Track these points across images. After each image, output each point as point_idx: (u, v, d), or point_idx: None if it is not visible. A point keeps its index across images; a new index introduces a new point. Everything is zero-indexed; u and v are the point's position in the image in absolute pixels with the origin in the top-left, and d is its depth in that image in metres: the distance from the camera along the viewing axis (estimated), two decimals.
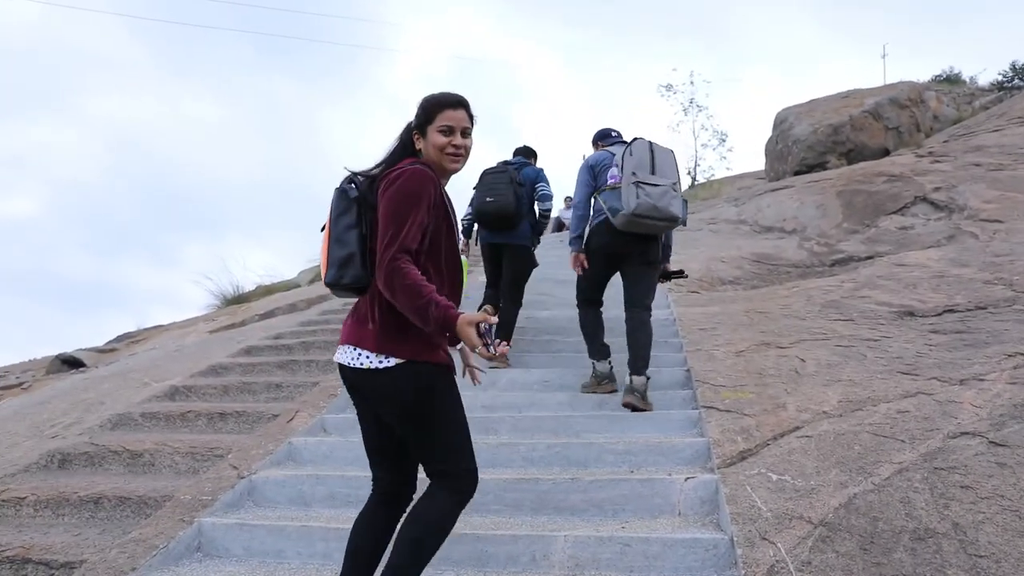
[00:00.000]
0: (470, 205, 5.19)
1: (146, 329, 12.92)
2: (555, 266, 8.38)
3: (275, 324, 7.44)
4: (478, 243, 5.26)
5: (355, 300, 2.14)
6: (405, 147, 2.15)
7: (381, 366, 1.97)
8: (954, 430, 2.91)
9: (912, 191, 8.99)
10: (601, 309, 4.35)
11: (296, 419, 4.00)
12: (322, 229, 2.13)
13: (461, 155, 2.12)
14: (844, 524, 2.44)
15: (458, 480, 2.06)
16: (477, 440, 3.50)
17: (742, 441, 3.16)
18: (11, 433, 4.50)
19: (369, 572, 2.11)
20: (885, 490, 2.58)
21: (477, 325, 1.85)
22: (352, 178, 2.11)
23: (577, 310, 4.42)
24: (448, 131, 2.09)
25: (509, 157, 5.41)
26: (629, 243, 4.04)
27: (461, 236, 2.18)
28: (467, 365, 2.30)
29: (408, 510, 2.08)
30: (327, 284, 2.05)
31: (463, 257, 4.13)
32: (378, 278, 1.93)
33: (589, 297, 4.32)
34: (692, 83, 25.88)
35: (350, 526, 2.42)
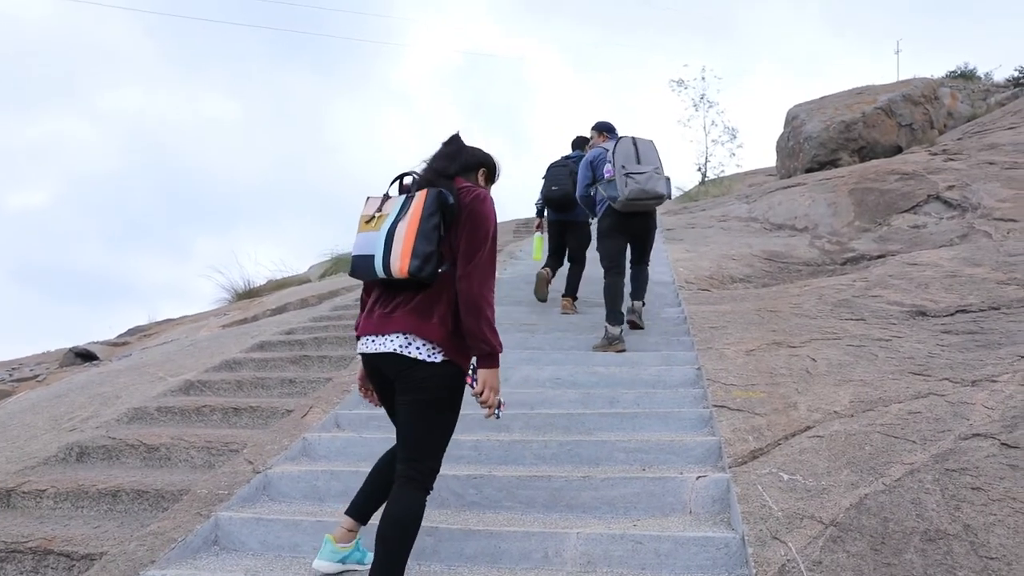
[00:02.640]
0: (541, 193, 6.44)
1: (157, 323, 13.03)
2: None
3: (287, 319, 7.49)
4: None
5: (376, 292, 2.36)
6: (467, 169, 2.43)
7: (427, 359, 2.21)
8: (966, 431, 2.92)
9: (925, 189, 8.95)
10: (625, 279, 5.26)
11: (310, 415, 4.05)
12: (373, 216, 2.30)
13: None
14: (855, 524, 2.46)
15: (428, 477, 2.27)
16: (490, 437, 3.56)
17: (753, 440, 3.18)
18: (29, 425, 4.57)
19: (383, 496, 2.36)
20: (896, 491, 2.60)
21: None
22: (430, 178, 2.33)
23: (603, 280, 5.27)
24: None
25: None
26: (631, 219, 5.15)
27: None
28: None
29: (383, 515, 2.23)
30: (410, 272, 2.17)
31: (537, 233, 6.09)
32: (467, 285, 2.20)
33: (614, 265, 5.20)
34: (703, 79, 25.69)
35: None
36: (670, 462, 3.28)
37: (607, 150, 5.19)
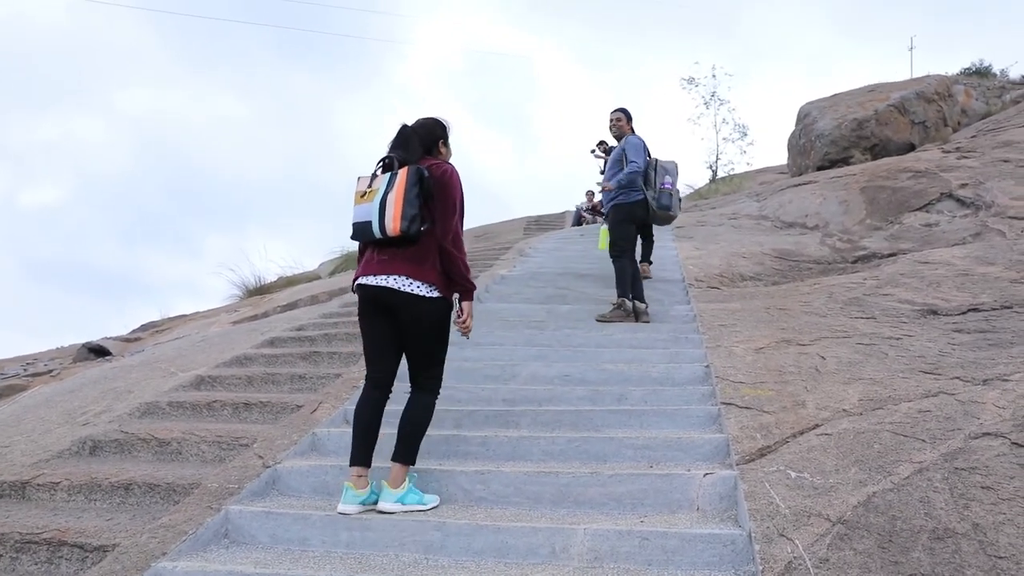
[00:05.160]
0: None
1: (170, 319, 13.13)
2: (576, 260, 8.40)
3: (297, 316, 7.54)
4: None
5: (371, 249, 2.99)
6: (427, 148, 3.07)
7: (428, 295, 2.91)
8: (976, 430, 2.90)
9: (938, 187, 8.88)
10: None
11: (319, 410, 4.07)
12: (365, 191, 2.92)
13: None
14: (862, 522, 2.45)
15: (436, 383, 3.08)
16: (498, 433, 3.57)
17: (761, 438, 3.17)
18: (43, 419, 4.62)
19: (373, 439, 3.00)
20: (904, 489, 2.59)
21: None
22: (405, 160, 2.95)
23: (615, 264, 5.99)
24: None
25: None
26: (649, 219, 6.15)
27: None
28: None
29: (403, 413, 3.00)
30: (401, 231, 2.82)
31: (605, 225, 6.72)
32: (447, 242, 2.91)
33: (629, 248, 5.97)
34: (714, 76, 25.58)
35: (372, 516, 2.77)
36: (678, 459, 3.28)
37: (644, 141, 6.05)
